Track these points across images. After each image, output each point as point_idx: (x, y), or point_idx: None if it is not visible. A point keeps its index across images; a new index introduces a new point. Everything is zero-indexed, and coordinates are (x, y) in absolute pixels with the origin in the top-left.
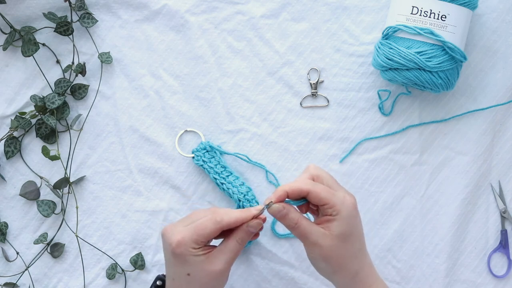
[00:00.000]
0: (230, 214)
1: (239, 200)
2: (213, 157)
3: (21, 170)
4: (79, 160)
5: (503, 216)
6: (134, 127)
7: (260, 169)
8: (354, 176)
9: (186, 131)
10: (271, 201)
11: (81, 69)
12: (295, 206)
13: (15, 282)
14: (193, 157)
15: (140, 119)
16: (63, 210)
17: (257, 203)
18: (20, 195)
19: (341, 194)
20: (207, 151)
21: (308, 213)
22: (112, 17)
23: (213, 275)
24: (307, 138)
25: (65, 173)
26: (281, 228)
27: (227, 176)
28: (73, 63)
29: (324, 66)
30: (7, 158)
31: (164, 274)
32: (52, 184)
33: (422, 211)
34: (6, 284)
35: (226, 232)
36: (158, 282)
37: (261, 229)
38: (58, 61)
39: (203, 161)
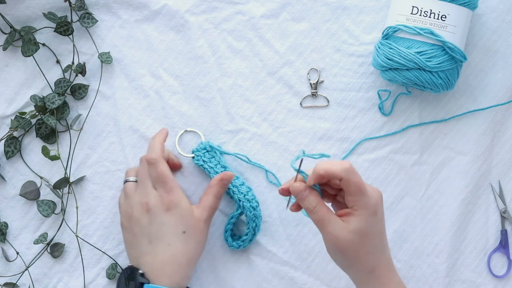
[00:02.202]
0: (153, 146)
1: (239, 200)
2: (213, 157)
3: (21, 170)
4: (79, 160)
5: (503, 216)
6: (134, 127)
7: (260, 169)
8: None
9: (186, 131)
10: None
11: (81, 69)
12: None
13: (15, 282)
14: (193, 157)
15: (140, 119)
16: (63, 210)
17: (257, 202)
18: (20, 195)
19: (369, 191)
20: (207, 151)
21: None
22: (112, 17)
23: (201, 230)
24: (307, 138)
25: (65, 173)
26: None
27: None
28: (73, 63)
29: (324, 66)
30: (7, 158)
31: (131, 265)
32: (52, 184)
33: (422, 211)
34: (6, 284)
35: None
36: (140, 270)
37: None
38: (58, 61)
39: (203, 161)
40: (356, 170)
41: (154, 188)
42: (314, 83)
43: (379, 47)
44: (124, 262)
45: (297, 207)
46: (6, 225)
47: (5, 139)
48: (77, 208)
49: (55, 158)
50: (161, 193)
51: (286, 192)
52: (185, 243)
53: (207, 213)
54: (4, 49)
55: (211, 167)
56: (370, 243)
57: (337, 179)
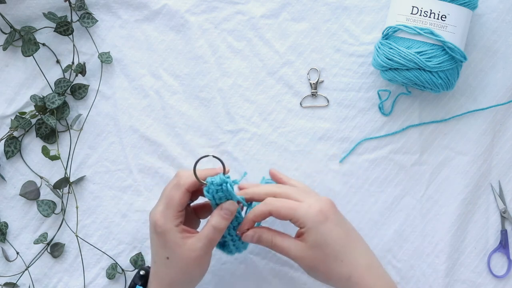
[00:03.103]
0: (190, 173)
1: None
2: (225, 197)
3: (21, 170)
4: (79, 160)
5: (503, 216)
6: (134, 127)
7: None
8: (354, 176)
9: (213, 156)
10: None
11: (81, 69)
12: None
13: (15, 282)
14: (205, 186)
15: (140, 119)
16: (63, 210)
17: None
18: (20, 195)
19: (306, 204)
20: (221, 190)
21: None
22: (112, 17)
23: (190, 260)
24: (307, 138)
25: (65, 173)
26: None
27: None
28: (73, 63)
29: (324, 66)
30: (7, 158)
31: (149, 266)
32: (52, 184)
33: (422, 211)
34: (6, 284)
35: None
36: (141, 272)
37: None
38: (58, 61)
39: (213, 197)
40: (278, 192)
41: None
42: (314, 83)
43: (379, 47)
44: (124, 262)
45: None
46: (6, 225)
47: (5, 139)
48: (77, 208)
49: (55, 158)
50: (160, 213)
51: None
52: (167, 268)
53: (202, 243)
54: (4, 49)
55: (217, 204)
56: (333, 251)
57: (268, 215)
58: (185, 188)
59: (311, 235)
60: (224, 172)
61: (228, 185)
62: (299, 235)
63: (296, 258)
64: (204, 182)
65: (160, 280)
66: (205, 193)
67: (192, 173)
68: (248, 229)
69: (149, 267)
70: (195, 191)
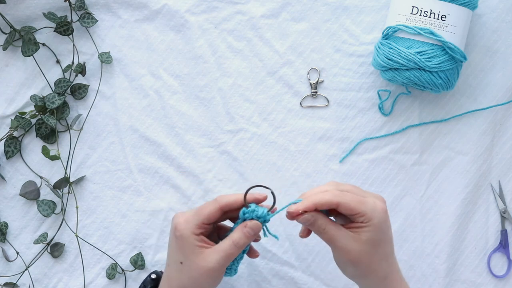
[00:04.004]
0: (231, 195)
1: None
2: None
3: (21, 170)
4: (79, 160)
5: (503, 216)
6: (134, 127)
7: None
8: (354, 176)
9: (271, 193)
10: (299, 211)
11: (81, 69)
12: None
13: (15, 282)
14: (241, 212)
15: (140, 119)
16: (63, 210)
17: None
18: (20, 195)
19: (371, 200)
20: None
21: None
22: (112, 17)
23: (203, 271)
24: (307, 138)
25: (65, 173)
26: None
27: None
28: (73, 63)
29: (324, 66)
30: (7, 158)
31: (162, 270)
32: (52, 184)
33: (422, 211)
34: (6, 284)
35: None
36: (152, 276)
37: (258, 239)
38: (58, 61)
39: (244, 219)
40: (344, 186)
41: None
42: (314, 83)
43: (379, 47)
44: (124, 262)
45: (308, 233)
46: (6, 225)
47: (5, 139)
48: (77, 208)
49: (55, 158)
50: (184, 218)
51: (293, 217)
52: (179, 273)
53: (218, 257)
54: (4, 49)
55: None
56: (383, 251)
57: (334, 206)
58: (219, 205)
59: (371, 231)
60: (271, 210)
61: (264, 223)
62: (350, 228)
63: (342, 249)
64: (248, 205)
65: (170, 285)
66: (240, 213)
67: (230, 196)
68: (305, 212)
69: (161, 272)
70: (228, 213)
